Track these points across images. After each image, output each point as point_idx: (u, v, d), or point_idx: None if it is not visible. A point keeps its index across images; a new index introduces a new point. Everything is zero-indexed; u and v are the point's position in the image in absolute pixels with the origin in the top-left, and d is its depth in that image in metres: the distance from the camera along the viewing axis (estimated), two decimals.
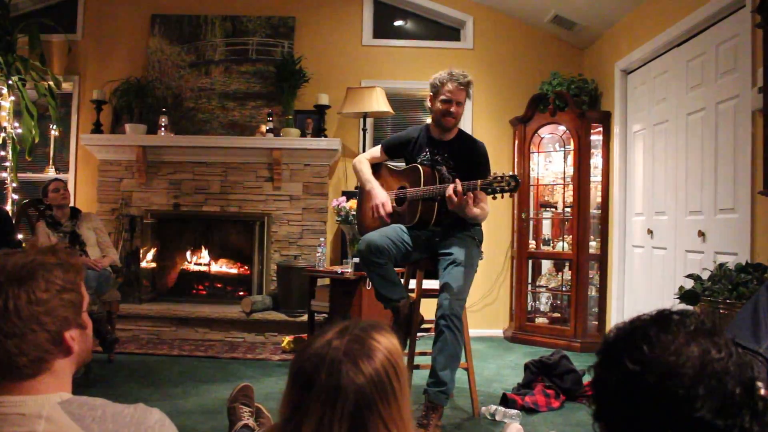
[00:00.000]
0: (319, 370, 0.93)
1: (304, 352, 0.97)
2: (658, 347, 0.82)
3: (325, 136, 5.40)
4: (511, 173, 2.71)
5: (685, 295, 2.75)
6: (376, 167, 3.32)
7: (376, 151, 3.35)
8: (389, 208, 3.08)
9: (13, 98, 5.00)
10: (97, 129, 5.38)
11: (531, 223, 5.36)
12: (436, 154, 3.13)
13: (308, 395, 0.92)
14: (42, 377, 1.07)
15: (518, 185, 2.70)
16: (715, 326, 0.85)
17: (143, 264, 5.39)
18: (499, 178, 2.72)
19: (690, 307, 2.80)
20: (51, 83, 5.14)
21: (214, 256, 5.72)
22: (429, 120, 3.28)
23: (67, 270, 1.12)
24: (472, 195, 2.81)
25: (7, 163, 4.94)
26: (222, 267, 5.71)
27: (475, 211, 2.90)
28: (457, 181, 2.79)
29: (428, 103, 3.15)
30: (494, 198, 2.77)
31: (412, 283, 3.29)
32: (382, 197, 3.09)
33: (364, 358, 0.94)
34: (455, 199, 2.77)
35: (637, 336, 0.85)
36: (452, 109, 3.03)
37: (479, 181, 2.76)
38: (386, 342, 0.98)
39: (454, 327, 2.86)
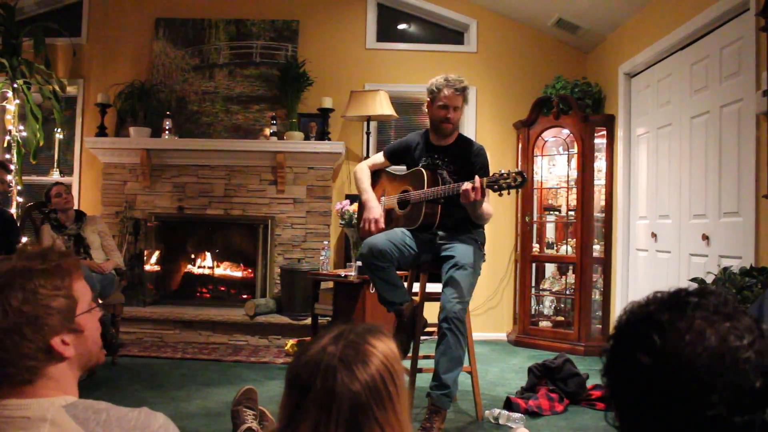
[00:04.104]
0: (314, 377, 0.92)
1: (299, 358, 0.97)
2: (672, 337, 0.76)
3: (329, 140, 5.40)
4: (517, 169, 2.72)
5: None
6: (376, 174, 3.35)
7: (378, 157, 3.38)
8: (382, 224, 3.11)
9: (18, 101, 5.03)
10: (102, 132, 5.40)
11: (534, 226, 5.36)
12: (437, 158, 3.14)
13: (304, 401, 0.92)
14: (40, 382, 1.06)
15: (525, 181, 2.70)
16: (736, 308, 0.78)
17: (147, 267, 5.40)
18: (505, 174, 2.72)
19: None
20: (56, 86, 5.16)
21: (218, 259, 5.73)
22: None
23: (52, 275, 1.08)
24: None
25: (12, 166, 4.96)
26: (226, 270, 5.72)
27: (486, 208, 2.92)
28: (477, 177, 2.79)
29: (425, 109, 3.19)
30: (500, 195, 2.78)
31: (416, 287, 3.29)
32: (376, 213, 3.14)
33: (359, 363, 0.93)
34: (471, 195, 2.76)
35: (650, 324, 0.78)
36: (449, 115, 3.06)
37: (485, 179, 2.77)
38: (382, 346, 0.97)
39: (456, 330, 2.86)
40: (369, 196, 3.21)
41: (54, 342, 1.07)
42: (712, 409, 0.72)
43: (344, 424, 0.90)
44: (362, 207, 3.26)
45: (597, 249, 5.03)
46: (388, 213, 3.24)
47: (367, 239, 3.01)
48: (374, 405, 0.92)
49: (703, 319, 0.76)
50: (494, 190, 2.75)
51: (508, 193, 2.76)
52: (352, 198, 4.92)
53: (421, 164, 3.15)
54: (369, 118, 5.26)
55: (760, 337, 0.76)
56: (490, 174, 2.83)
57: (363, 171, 3.33)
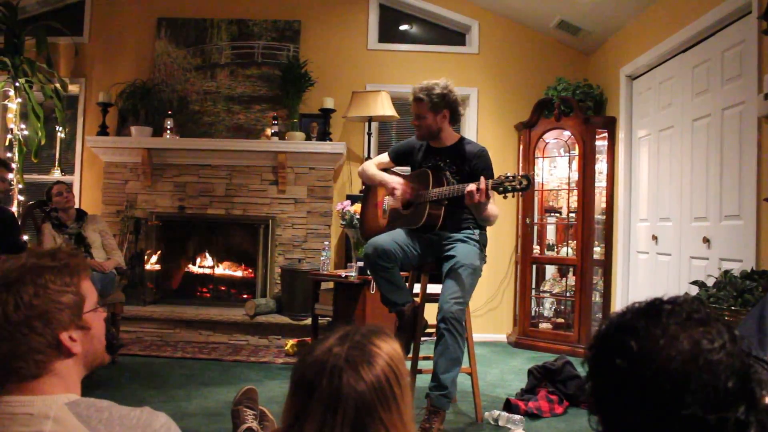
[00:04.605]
0: (320, 377, 0.93)
1: (305, 359, 0.98)
2: (647, 342, 0.80)
3: (330, 140, 5.41)
4: (523, 173, 2.72)
5: None
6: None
7: (383, 157, 3.39)
8: (407, 189, 3.10)
9: (20, 100, 5.03)
10: (103, 131, 5.40)
11: (535, 228, 5.36)
12: (439, 160, 3.14)
13: (310, 402, 0.93)
14: (45, 378, 1.07)
15: (530, 184, 2.71)
16: (708, 314, 0.83)
17: (148, 266, 5.40)
18: (511, 177, 2.73)
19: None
20: (57, 85, 5.16)
21: (219, 258, 5.73)
22: None
23: (61, 272, 1.10)
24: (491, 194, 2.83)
25: (14, 165, 4.96)
26: (226, 270, 5.72)
27: (492, 210, 2.91)
28: (482, 178, 2.79)
29: None
30: (505, 197, 2.79)
31: (417, 287, 3.29)
32: (396, 180, 3.14)
33: (364, 364, 0.94)
34: (476, 197, 2.75)
35: (626, 331, 0.82)
36: (415, 123, 3.13)
37: (490, 181, 2.77)
38: (387, 347, 0.98)
39: (454, 330, 2.86)
40: (383, 175, 3.23)
41: (63, 337, 1.08)
42: (687, 409, 0.76)
43: (349, 424, 0.91)
44: (378, 190, 3.29)
45: (597, 251, 5.03)
46: (392, 212, 3.24)
47: (372, 239, 3.01)
48: (379, 405, 0.92)
49: (677, 325, 0.80)
50: (499, 192, 2.76)
51: (513, 196, 2.77)
52: (353, 198, 4.92)
53: (425, 165, 3.16)
54: (370, 119, 5.26)
55: (731, 340, 0.80)
56: (495, 176, 2.83)
57: (371, 167, 3.34)
